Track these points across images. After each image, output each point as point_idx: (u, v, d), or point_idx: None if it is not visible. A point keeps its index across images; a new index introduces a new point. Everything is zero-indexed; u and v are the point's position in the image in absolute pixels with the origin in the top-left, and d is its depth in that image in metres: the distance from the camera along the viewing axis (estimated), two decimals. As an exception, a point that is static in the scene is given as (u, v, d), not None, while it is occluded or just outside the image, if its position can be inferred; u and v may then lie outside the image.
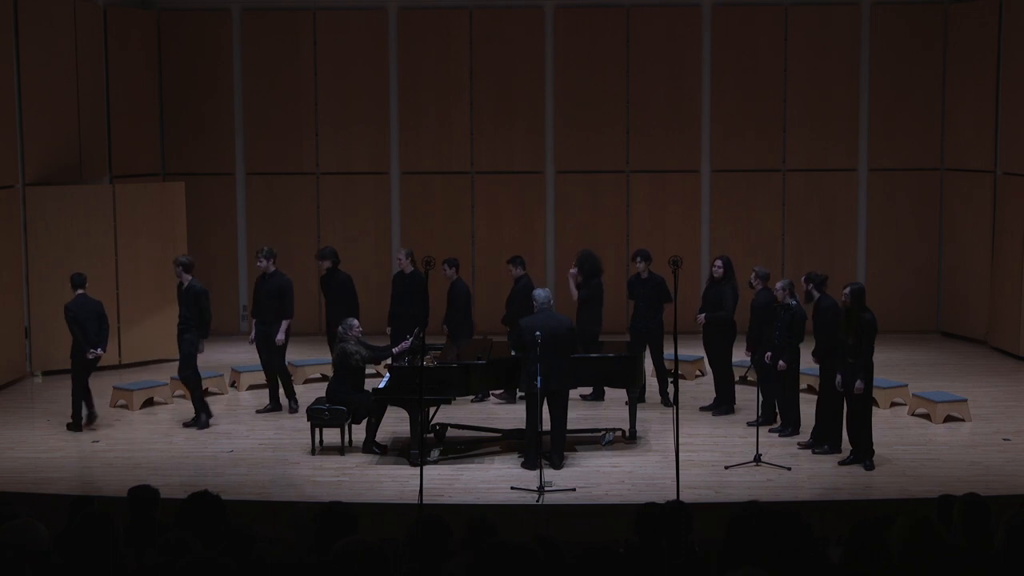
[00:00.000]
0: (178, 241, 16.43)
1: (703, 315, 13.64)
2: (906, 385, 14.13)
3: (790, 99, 17.97)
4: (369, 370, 13.08)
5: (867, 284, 18.00)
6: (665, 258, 11.12)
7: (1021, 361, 16.17)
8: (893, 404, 13.90)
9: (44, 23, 15.63)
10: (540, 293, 11.88)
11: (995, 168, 16.86)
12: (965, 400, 13.48)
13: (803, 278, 12.38)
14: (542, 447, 11.36)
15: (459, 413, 13.35)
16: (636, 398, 12.65)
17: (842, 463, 11.72)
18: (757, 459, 11.68)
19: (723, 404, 13.64)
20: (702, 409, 13.67)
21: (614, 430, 12.58)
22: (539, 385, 11.06)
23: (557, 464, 11.54)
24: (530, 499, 10.72)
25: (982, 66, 16.97)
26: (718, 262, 13.68)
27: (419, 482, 9.86)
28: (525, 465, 11.57)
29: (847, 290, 11.67)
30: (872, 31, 17.89)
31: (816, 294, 12.15)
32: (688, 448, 11.79)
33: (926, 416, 13.37)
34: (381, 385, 12.23)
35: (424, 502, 9.84)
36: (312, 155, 18.29)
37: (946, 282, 17.97)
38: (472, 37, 18.06)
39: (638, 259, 13.99)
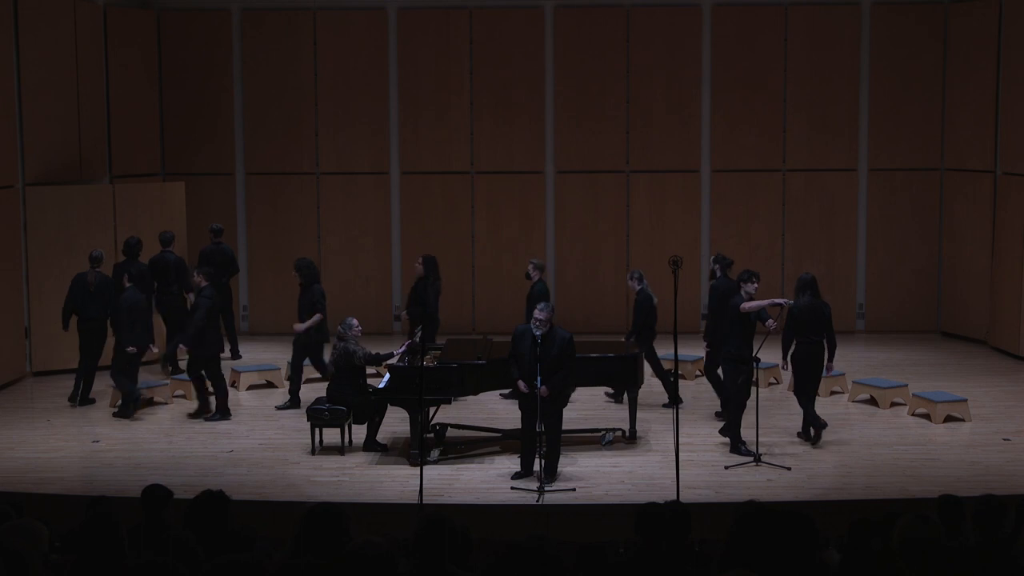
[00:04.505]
0: (178, 241, 16.40)
1: (405, 312, 14.34)
2: (906, 385, 14.14)
3: (790, 99, 17.97)
4: (369, 370, 13.09)
5: (867, 284, 18.16)
6: (665, 258, 11.14)
7: (1021, 361, 16.17)
8: (893, 404, 13.91)
9: (44, 23, 15.63)
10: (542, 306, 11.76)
11: (995, 168, 16.86)
12: (965, 400, 13.48)
13: (712, 257, 13.41)
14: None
15: (459, 413, 13.36)
16: (635, 398, 12.66)
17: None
18: (757, 459, 11.69)
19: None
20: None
21: (614, 430, 12.59)
22: (539, 386, 11.03)
23: (551, 478, 11.21)
24: (530, 499, 10.72)
25: (982, 66, 16.97)
26: (419, 258, 14.46)
27: (419, 482, 9.86)
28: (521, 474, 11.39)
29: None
30: (872, 31, 17.89)
31: (718, 274, 13.26)
32: (688, 448, 11.80)
33: (926, 416, 13.38)
34: (381, 385, 12.25)
35: (424, 502, 9.85)
36: (312, 155, 18.29)
37: (946, 282, 17.97)
38: (472, 37, 18.06)
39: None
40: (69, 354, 15.13)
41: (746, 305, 11.98)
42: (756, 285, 12.20)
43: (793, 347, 12.34)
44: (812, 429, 12.44)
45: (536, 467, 11.09)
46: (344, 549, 5.31)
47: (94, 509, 6.69)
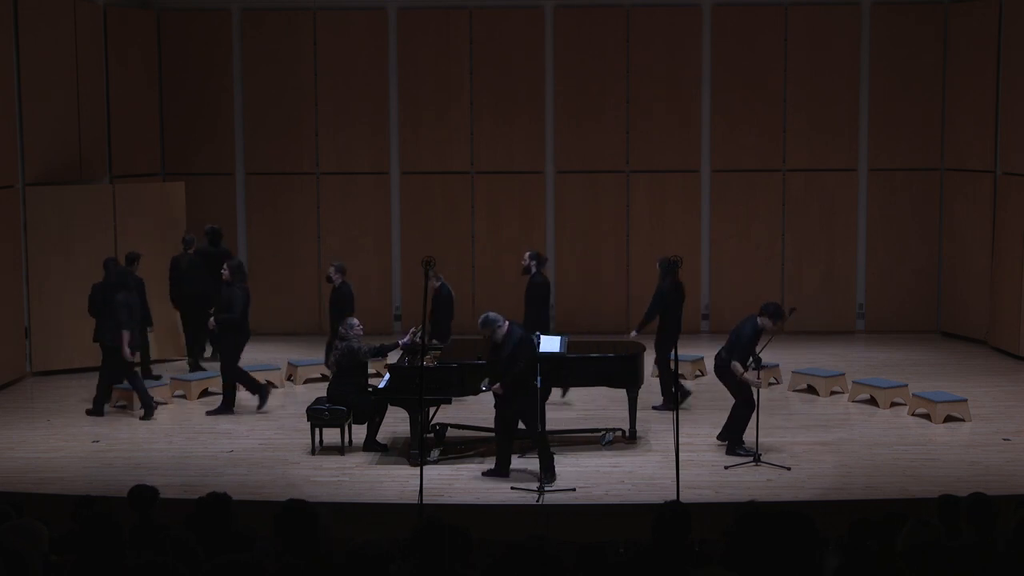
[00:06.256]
0: (178, 241, 16.40)
1: (212, 318, 13.96)
2: (906, 385, 14.13)
3: (790, 99, 17.97)
4: (369, 370, 13.08)
5: (867, 284, 18.15)
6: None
7: (1021, 361, 16.16)
8: (893, 404, 13.90)
9: (44, 23, 15.63)
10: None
11: (995, 168, 16.86)
12: (965, 400, 13.47)
13: (528, 254, 14.33)
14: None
15: (459, 413, 13.35)
16: (635, 398, 12.64)
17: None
18: (757, 459, 11.69)
19: (226, 406, 13.77)
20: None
21: (614, 430, 12.59)
22: (539, 384, 11.03)
23: (548, 478, 11.18)
24: (530, 499, 10.72)
25: (982, 66, 16.96)
26: (225, 267, 13.96)
27: (419, 482, 9.86)
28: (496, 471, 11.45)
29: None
30: (872, 31, 17.89)
31: (533, 269, 14.14)
32: (688, 448, 11.79)
33: (926, 416, 13.37)
34: (381, 385, 12.25)
35: (424, 502, 9.85)
36: (312, 155, 18.29)
37: (946, 282, 17.97)
38: (472, 37, 18.06)
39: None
40: (68, 354, 15.17)
41: (740, 374, 11.86)
42: (771, 323, 11.95)
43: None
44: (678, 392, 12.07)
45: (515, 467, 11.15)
46: (319, 547, 5.32)
47: (88, 509, 6.70)
